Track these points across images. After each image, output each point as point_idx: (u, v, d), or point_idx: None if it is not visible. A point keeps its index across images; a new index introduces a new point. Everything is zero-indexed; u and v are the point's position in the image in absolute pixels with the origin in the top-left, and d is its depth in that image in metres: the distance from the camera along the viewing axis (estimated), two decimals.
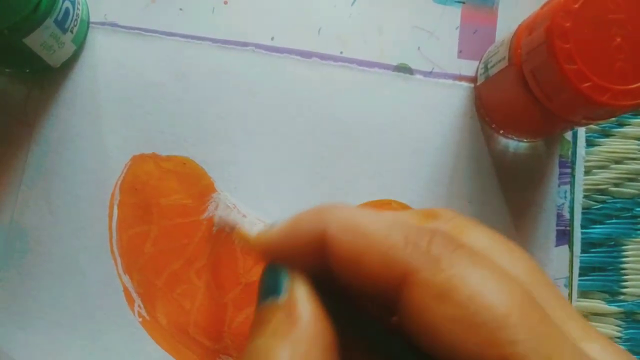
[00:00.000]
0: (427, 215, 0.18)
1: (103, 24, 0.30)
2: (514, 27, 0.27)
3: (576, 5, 0.22)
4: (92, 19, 0.30)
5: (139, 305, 0.28)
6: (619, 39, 0.22)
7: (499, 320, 0.13)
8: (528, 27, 0.25)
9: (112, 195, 0.29)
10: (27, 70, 0.28)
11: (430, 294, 0.14)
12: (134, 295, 0.28)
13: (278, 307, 0.17)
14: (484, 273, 0.14)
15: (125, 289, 0.28)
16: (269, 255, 0.19)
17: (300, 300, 0.17)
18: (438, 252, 0.15)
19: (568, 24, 0.22)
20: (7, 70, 0.28)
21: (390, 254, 0.15)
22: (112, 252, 0.28)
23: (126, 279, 0.28)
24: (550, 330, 0.14)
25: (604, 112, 0.23)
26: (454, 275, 0.14)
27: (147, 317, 0.28)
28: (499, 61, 0.27)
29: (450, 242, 0.15)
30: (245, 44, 0.30)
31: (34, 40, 0.24)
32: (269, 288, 0.18)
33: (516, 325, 0.13)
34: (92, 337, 0.28)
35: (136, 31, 0.30)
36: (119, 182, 0.29)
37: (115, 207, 0.29)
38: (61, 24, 0.25)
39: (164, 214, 0.29)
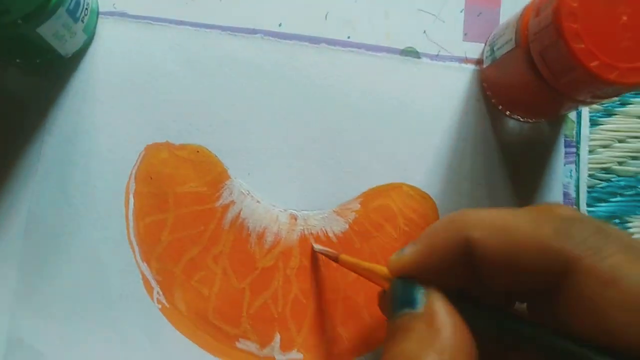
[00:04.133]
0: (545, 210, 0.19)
1: (112, 13, 0.30)
2: (517, 8, 0.27)
3: None
4: (101, 9, 0.30)
5: (157, 293, 0.28)
6: (625, 18, 0.23)
7: None
8: (535, 8, 0.25)
9: (128, 184, 0.29)
10: (38, 61, 0.28)
11: (598, 281, 0.15)
12: (153, 282, 0.28)
13: (416, 317, 0.17)
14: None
15: (144, 277, 0.28)
16: (407, 276, 0.19)
17: (440, 311, 0.17)
18: (594, 240, 0.15)
19: (575, 4, 0.22)
20: (17, 60, 0.28)
21: (547, 246, 0.16)
22: (130, 240, 0.29)
23: (144, 267, 0.28)
24: None
25: (612, 91, 0.24)
26: (617, 263, 0.15)
27: (166, 304, 0.28)
28: (506, 43, 0.27)
29: (599, 230, 0.16)
30: (253, 31, 0.30)
31: (47, 30, 0.24)
32: (402, 300, 0.19)
33: None
34: (111, 325, 0.28)
35: (145, 20, 0.30)
36: (134, 172, 0.29)
37: (131, 196, 0.29)
38: (73, 13, 0.25)
39: (180, 202, 0.29)
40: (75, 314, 0.28)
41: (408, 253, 0.19)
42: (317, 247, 0.29)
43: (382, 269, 0.22)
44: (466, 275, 0.18)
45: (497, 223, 0.17)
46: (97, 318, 0.28)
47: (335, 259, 0.26)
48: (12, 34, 0.23)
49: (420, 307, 0.18)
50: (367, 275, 0.24)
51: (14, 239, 0.28)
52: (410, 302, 0.18)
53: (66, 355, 0.28)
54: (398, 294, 0.19)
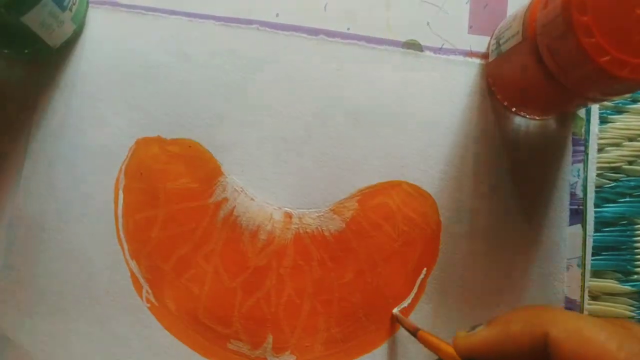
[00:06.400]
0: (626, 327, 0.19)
1: (103, 2, 0.29)
2: (526, 0, 0.26)
3: None
4: None
5: (147, 291, 0.28)
6: (639, 11, 0.22)
7: None
8: (543, 0, 0.24)
9: (117, 180, 0.28)
10: (26, 51, 0.27)
11: None
12: (142, 280, 0.28)
13: None
14: None
15: (133, 275, 0.28)
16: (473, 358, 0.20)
17: None
18: None
19: None
20: (5, 51, 0.27)
21: None
22: (119, 237, 0.28)
23: (133, 264, 0.28)
24: None
25: (623, 87, 0.23)
26: None
27: (156, 303, 0.28)
28: (512, 36, 0.26)
29: None
30: (249, 22, 0.29)
31: (33, 19, 0.23)
32: None
33: None
34: (99, 323, 0.27)
35: (137, 10, 0.29)
36: (124, 167, 0.28)
37: (121, 192, 0.28)
38: (60, 2, 0.25)
39: (171, 198, 0.28)
40: (62, 312, 0.27)
41: (479, 334, 0.20)
42: (398, 313, 0.28)
43: (449, 349, 0.22)
44: None
45: (580, 328, 0.17)
46: (84, 317, 0.28)
47: (414, 334, 0.26)
48: None
49: None
50: (437, 353, 0.24)
51: None
52: None
53: (53, 353, 0.27)
54: None
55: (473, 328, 0.21)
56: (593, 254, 0.30)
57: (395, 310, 0.28)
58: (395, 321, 0.28)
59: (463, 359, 0.21)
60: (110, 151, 0.28)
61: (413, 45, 0.30)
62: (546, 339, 0.17)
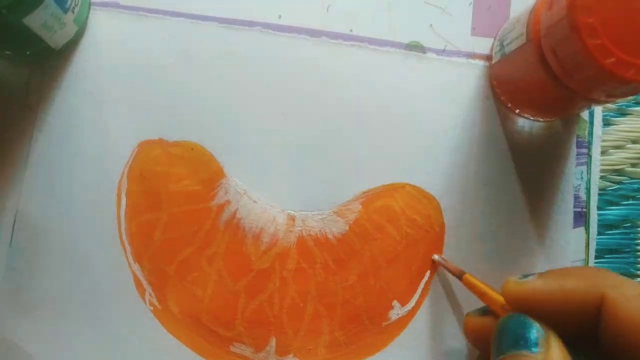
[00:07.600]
0: None
1: (105, 4, 0.29)
2: (529, 2, 0.26)
3: None
4: None
5: (149, 294, 0.28)
6: None
7: None
8: (547, 1, 0.24)
9: (120, 182, 0.28)
10: (28, 53, 0.27)
11: None
12: (145, 283, 0.28)
13: None
14: None
15: (136, 278, 0.28)
16: (522, 307, 0.19)
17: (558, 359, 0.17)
18: None
19: None
20: (7, 52, 0.27)
21: None
22: (121, 240, 0.28)
23: (136, 267, 0.28)
24: None
25: (628, 89, 0.23)
26: None
27: (159, 306, 0.28)
28: (516, 38, 0.26)
29: None
30: (251, 24, 0.29)
31: (34, 21, 0.23)
32: (518, 339, 0.18)
33: None
34: (101, 326, 0.27)
35: (140, 11, 0.29)
36: (126, 170, 0.28)
37: (123, 195, 0.28)
38: (62, 4, 0.25)
39: (173, 200, 0.28)
40: (64, 315, 0.27)
41: (532, 283, 0.19)
42: (437, 257, 0.28)
43: (497, 296, 0.22)
44: (583, 328, 0.18)
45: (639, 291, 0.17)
46: (86, 319, 0.27)
47: (459, 277, 0.26)
48: None
49: (537, 351, 0.17)
50: (483, 298, 0.23)
51: (1, 238, 0.28)
52: (524, 342, 0.18)
53: (55, 356, 0.27)
54: (512, 328, 0.19)
55: (525, 276, 0.20)
56: (596, 257, 0.30)
57: (435, 257, 0.28)
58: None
59: (511, 306, 0.20)
60: (112, 154, 0.28)
61: (416, 47, 0.30)
62: (602, 301, 0.17)
